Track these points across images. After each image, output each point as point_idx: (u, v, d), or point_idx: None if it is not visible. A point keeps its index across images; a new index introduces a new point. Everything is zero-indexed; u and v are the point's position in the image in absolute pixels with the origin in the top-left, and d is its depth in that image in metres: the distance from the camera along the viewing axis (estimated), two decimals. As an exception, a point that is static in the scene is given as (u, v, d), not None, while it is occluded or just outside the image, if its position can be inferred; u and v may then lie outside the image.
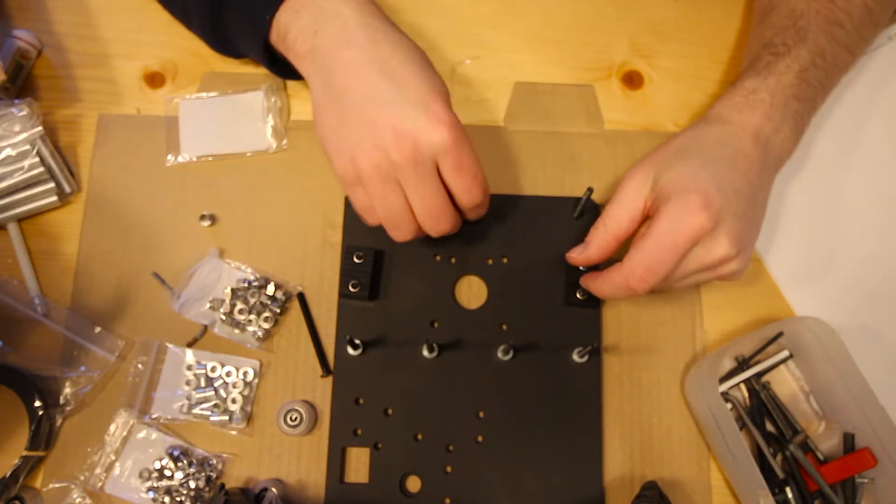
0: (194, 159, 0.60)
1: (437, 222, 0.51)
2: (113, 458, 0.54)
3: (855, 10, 0.56)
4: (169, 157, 0.60)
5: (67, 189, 0.58)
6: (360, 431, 0.55)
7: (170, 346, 0.56)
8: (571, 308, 0.57)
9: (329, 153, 0.51)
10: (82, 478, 0.53)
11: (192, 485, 0.53)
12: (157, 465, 0.54)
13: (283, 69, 0.57)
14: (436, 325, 0.57)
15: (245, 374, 0.55)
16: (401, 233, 0.52)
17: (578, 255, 0.54)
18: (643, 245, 0.49)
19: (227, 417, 0.54)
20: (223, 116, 0.61)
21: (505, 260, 0.58)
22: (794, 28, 0.55)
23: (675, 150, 0.52)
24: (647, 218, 0.52)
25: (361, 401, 0.55)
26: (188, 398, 0.55)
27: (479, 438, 0.55)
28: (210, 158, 0.60)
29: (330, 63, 0.50)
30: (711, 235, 0.48)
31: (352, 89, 0.49)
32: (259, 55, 0.55)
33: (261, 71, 0.61)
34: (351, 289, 0.56)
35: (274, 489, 0.52)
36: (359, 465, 0.54)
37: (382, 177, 0.49)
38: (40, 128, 0.57)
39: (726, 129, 0.52)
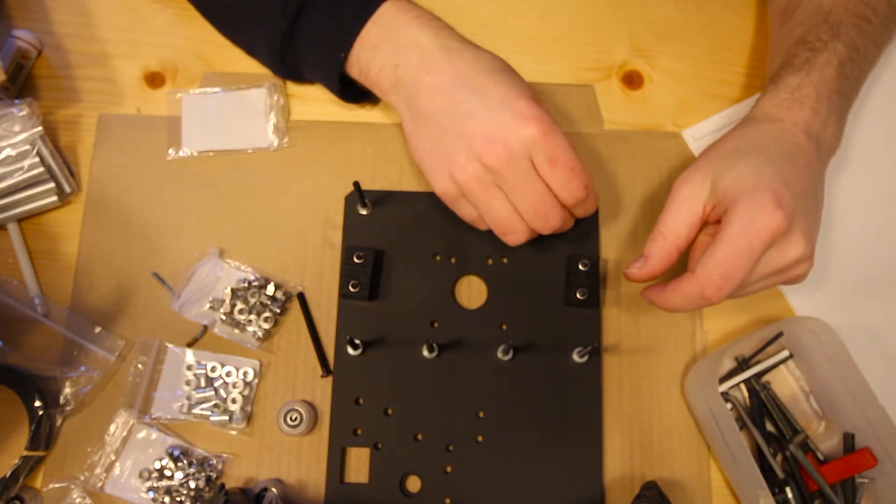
0: (195, 154, 0.60)
1: (546, 220, 0.50)
2: (113, 458, 0.54)
3: (879, 4, 0.56)
4: (170, 150, 0.60)
5: (67, 189, 0.58)
6: (360, 431, 0.55)
7: (170, 346, 0.56)
8: (571, 308, 0.57)
9: (427, 176, 0.52)
10: (82, 478, 0.53)
11: (192, 485, 0.53)
12: (157, 465, 0.54)
13: (351, 95, 0.58)
14: (436, 325, 0.57)
15: (245, 374, 0.55)
16: (514, 237, 0.52)
17: (639, 271, 0.51)
18: (716, 250, 0.46)
19: (227, 417, 0.54)
20: (225, 112, 0.61)
21: (505, 260, 0.58)
22: (827, 23, 0.54)
23: (729, 151, 0.50)
24: (705, 224, 0.51)
25: (361, 401, 0.55)
26: (188, 398, 0.55)
27: (479, 438, 0.55)
28: (211, 154, 0.60)
29: (414, 91, 0.52)
30: (786, 235, 0.46)
31: (437, 110, 0.50)
32: (333, 87, 0.57)
33: (262, 70, 0.61)
34: (351, 289, 0.56)
35: (274, 489, 0.52)
36: (359, 465, 0.54)
37: (483, 186, 0.50)
38: (40, 128, 0.57)
39: (778, 127, 0.51)
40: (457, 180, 0.50)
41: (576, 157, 0.50)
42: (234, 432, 0.55)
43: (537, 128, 0.48)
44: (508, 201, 0.50)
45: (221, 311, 0.56)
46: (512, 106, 0.48)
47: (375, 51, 0.53)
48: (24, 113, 0.56)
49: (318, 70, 0.57)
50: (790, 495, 0.52)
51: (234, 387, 0.55)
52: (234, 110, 0.61)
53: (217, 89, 0.61)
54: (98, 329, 0.56)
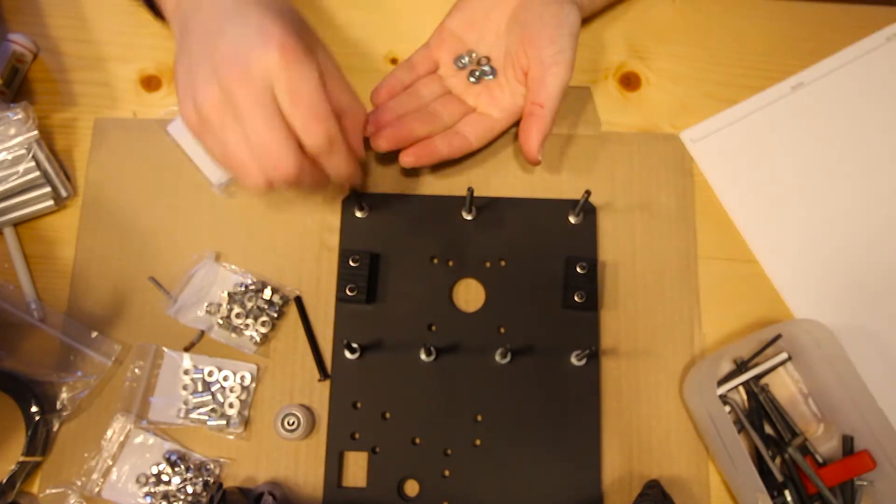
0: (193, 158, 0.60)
1: (275, 165, 0.45)
2: (110, 463, 0.54)
3: None
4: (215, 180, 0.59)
5: (63, 193, 0.58)
6: (357, 435, 0.54)
7: (167, 350, 0.56)
8: (569, 311, 0.56)
9: (179, 101, 0.47)
10: (79, 483, 0.53)
11: (190, 490, 0.53)
12: (155, 470, 0.53)
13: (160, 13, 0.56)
14: (433, 328, 0.56)
15: (242, 378, 0.55)
16: (248, 179, 0.46)
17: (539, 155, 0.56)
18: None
19: (224, 422, 0.54)
20: None
21: (503, 263, 0.58)
22: None
23: None
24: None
25: (359, 405, 0.55)
26: (185, 403, 0.55)
27: (477, 442, 0.54)
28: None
29: (189, 14, 0.48)
30: None
31: (198, 26, 0.47)
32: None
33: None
34: (348, 292, 0.55)
35: (273, 494, 0.52)
36: (356, 469, 0.54)
37: (219, 113, 0.45)
38: (36, 132, 0.57)
39: None
40: (197, 102, 0.45)
41: (322, 99, 0.45)
42: (231, 437, 0.55)
43: (281, 54, 0.43)
44: (242, 134, 0.45)
45: (218, 315, 0.56)
46: (265, 30, 0.44)
47: None
48: (19, 117, 0.56)
49: None
50: (789, 498, 0.52)
51: (231, 391, 0.55)
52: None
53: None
54: (95, 334, 0.56)
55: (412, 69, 0.59)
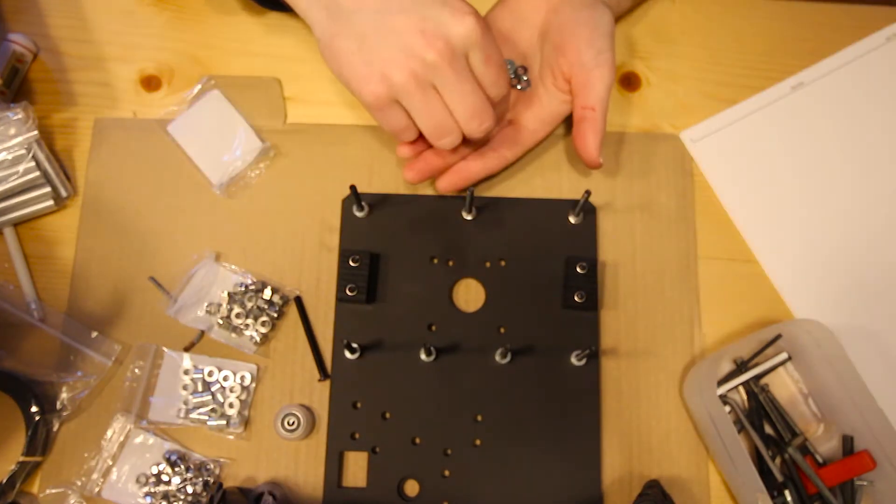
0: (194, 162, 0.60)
1: (481, 121, 0.50)
2: (110, 463, 0.54)
3: None
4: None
5: (63, 193, 0.58)
6: (357, 435, 0.54)
7: (166, 350, 0.56)
8: (569, 311, 0.56)
9: (353, 81, 0.49)
10: (79, 483, 0.53)
11: (190, 490, 0.53)
12: (155, 470, 0.53)
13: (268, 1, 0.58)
14: (433, 328, 0.56)
15: (242, 378, 0.55)
16: (450, 139, 0.50)
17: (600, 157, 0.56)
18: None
19: (224, 422, 0.54)
20: (212, 124, 0.60)
21: (503, 263, 0.58)
22: None
23: None
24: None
25: (359, 405, 0.55)
26: (185, 403, 0.55)
27: (477, 442, 0.54)
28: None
29: None
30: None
31: (363, 6, 0.47)
32: None
33: (257, 72, 0.61)
34: (348, 292, 0.55)
35: (273, 494, 0.52)
36: (356, 469, 0.54)
37: (421, 84, 0.48)
38: (36, 132, 0.57)
39: None
40: (393, 81, 0.47)
41: (500, 51, 0.49)
42: (231, 437, 0.55)
43: (477, 24, 0.47)
44: (444, 102, 0.49)
45: (218, 315, 0.56)
46: (449, 4, 0.47)
47: None
48: (19, 117, 0.56)
49: None
50: (789, 498, 0.52)
51: (231, 391, 0.55)
52: (218, 121, 0.60)
53: (196, 104, 0.61)
54: (95, 334, 0.56)
55: None
